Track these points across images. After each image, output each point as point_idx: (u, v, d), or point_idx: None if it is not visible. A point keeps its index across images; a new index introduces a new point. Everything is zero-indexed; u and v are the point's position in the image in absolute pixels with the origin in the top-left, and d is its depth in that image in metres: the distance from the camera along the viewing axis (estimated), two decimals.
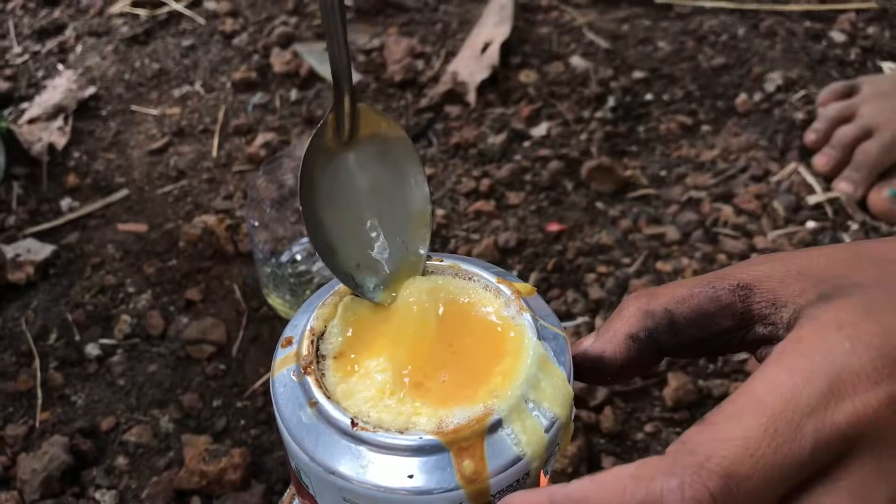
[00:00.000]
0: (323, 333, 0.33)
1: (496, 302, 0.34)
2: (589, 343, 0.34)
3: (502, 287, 0.34)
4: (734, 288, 0.32)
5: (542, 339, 0.32)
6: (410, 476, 0.29)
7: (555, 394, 0.30)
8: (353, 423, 0.29)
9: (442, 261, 0.35)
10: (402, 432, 0.29)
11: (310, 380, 0.31)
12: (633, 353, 0.33)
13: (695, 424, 0.27)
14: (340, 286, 0.34)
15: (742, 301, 0.32)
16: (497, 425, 0.29)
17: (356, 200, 0.34)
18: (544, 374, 0.31)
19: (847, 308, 0.28)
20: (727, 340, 0.33)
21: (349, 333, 0.33)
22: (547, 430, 0.30)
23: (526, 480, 0.30)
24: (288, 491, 0.45)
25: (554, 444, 0.31)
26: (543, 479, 0.31)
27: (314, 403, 0.30)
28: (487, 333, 0.33)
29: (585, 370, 0.34)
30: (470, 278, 0.35)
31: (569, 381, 0.31)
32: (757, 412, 0.26)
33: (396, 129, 0.34)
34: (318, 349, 0.33)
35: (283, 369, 0.32)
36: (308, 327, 0.33)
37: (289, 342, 0.33)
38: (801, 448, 0.26)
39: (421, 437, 0.29)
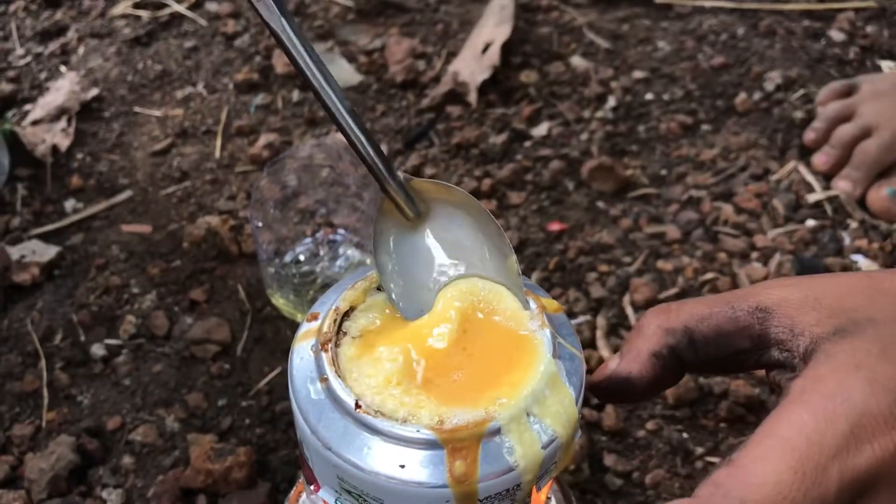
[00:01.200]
0: (347, 314, 0.34)
1: (521, 313, 0.34)
2: (615, 364, 0.35)
3: (529, 300, 0.34)
4: (753, 310, 0.33)
5: (558, 357, 0.32)
6: (402, 466, 0.29)
7: (559, 412, 0.31)
8: (357, 405, 0.30)
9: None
10: (402, 422, 0.30)
11: (325, 356, 0.31)
12: (658, 371, 0.34)
13: (723, 465, 0.28)
14: (372, 272, 0.35)
15: (760, 324, 0.32)
16: (495, 432, 0.30)
17: (442, 269, 0.35)
18: (552, 391, 0.31)
19: (863, 347, 0.29)
20: (743, 360, 0.34)
21: (374, 318, 0.34)
22: (544, 447, 0.30)
23: (516, 492, 0.31)
24: (294, 489, 0.45)
25: (550, 461, 0.31)
26: (535, 495, 0.32)
27: (325, 379, 0.31)
28: (506, 342, 0.33)
29: (615, 391, 0.35)
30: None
31: (577, 403, 0.32)
32: (785, 455, 0.27)
33: (447, 190, 0.35)
34: (339, 328, 0.33)
35: (304, 342, 0.33)
36: (334, 306, 0.34)
37: (314, 317, 0.34)
38: (826, 490, 0.27)
39: (419, 430, 0.29)
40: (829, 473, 0.27)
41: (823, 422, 0.27)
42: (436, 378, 0.32)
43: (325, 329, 0.32)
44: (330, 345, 0.32)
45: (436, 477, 0.29)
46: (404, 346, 0.32)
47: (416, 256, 0.35)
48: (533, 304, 0.34)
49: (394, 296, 0.34)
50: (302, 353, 0.32)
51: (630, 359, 0.34)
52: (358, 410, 0.30)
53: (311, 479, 0.33)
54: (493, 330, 0.33)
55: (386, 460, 0.29)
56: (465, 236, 0.35)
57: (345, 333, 0.33)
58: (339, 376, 0.31)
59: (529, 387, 0.31)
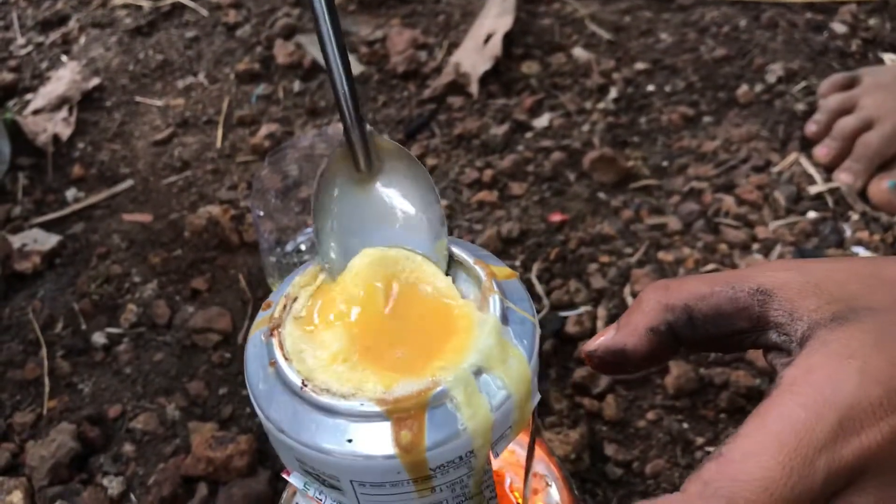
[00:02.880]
0: (296, 299, 0.34)
1: (471, 284, 0.34)
2: (610, 335, 0.35)
3: (477, 268, 0.34)
4: (753, 292, 0.33)
5: (507, 321, 0.32)
6: (350, 441, 0.29)
7: (509, 373, 0.31)
8: (304, 385, 0.30)
9: None
10: (347, 398, 0.30)
11: (274, 341, 0.32)
12: (653, 346, 0.34)
13: (712, 459, 0.28)
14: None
15: (760, 306, 0.32)
16: (440, 398, 0.29)
17: (380, 233, 0.35)
18: (500, 352, 0.31)
19: (858, 336, 0.29)
20: (740, 340, 0.34)
21: (316, 300, 0.34)
22: (495, 409, 0.30)
23: (471, 459, 0.30)
24: (287, 488, 0.45)
25: (504, 424, 0.31)
26: (492, 461, 0.31)
27: (273, 363, 0.31)
28: (445, 312, 0.33)
29: (608, 362, 0.35)
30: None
31: (529, 363, 0.31)
32: (774, 450, 0.27)
33: (407, 156, 0.35)
34: (289, 313, 0.33)
35: (257, 331, 0.33)
36: (285, 292, 0.34)
37: (268, 305, 0.34)
38: (813, 483, 0.27)
39: (362, 404, 0.29)
40: (816, 466, 0.27)
41: (813, 415, 0.28)
42: (379, 350, 0.32)
43: (275, 315, 0.33)
44: (278, 329, 0.32)
45: (383, 448, 0.29)
46: (344, 323, 0.32)
47: (358, 216, 0.35)
48: (481, 271, 0.34)
49: (332, 255, 0.34)
50: (255, 341, 0.33)
51: (627, 332, 0.34)
52: (304, 390, 0.30)
53: (284, 468, 0.33)
54: (429, 300, 0.33)
55: (334, 436, 0.29)
56: (406, 205, 0.35)
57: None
58: (287, 358, 0.31)
59: (474, 350, 0.31)
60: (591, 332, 0.69)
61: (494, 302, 0.32)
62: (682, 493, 0.27)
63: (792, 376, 0.29)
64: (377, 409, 0.29)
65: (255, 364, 0.32)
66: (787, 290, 0.32)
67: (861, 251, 0.75)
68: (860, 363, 0.28)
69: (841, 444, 0.27)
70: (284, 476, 0.33)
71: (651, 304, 0.34)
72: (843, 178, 0.81)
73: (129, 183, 0.85)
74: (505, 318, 0.32)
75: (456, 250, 0.35)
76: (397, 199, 0.35)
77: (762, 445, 0.27)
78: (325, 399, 0.30)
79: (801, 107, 0.89)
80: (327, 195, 0.35)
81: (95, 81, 0.97)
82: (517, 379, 0.31)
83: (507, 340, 0.31)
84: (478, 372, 0.30)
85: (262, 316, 0.33)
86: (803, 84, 0.92)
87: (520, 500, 0.43)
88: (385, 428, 0.29)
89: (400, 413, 0.29)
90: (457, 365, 0.30)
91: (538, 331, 0.33)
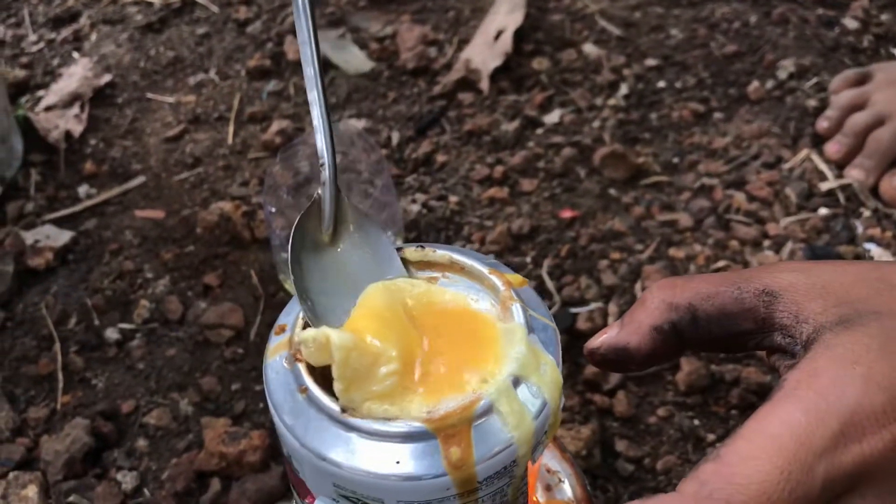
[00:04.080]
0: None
1: (485, 294, 0.34)
2: (614, 333, 0.35)
3: (493, 278, 0.34)
4: (759, 293, 0.32)
5: (531, 329, 0.32)
6: (398, 462, 0.29)
7: (543, 380, 0.31)
8: (343, 410, 0.30)
9: (435, 252, 0.36)
10: (390, 419, 0.30)
11: (300, 366, 0.31)
12: (657, 344, 0.34)
13: (709, 459, 0.28)
14: None
15: (766, 307, 0.32)
16: (485, 412, 0.30)
17: (344, 289, 0.35)
18: (534, 361, 0.31)
19: (863, 341, 0.29)
20: (744, 341, 0.34)
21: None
22: (535, 417, 0.30)
23: (514, 469, 0.31)
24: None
25: (542, 431, 0.31)
26: (531, 469, 0.32)
27: (304, 390, 0.31)
28: (471, 325, 0.33)
29: (611, 360, 0.35)
30: (462, 268, 0.35)
31: (559, 368, 0.32)
32: (772, 454, 0.27)
33: (370, 221, 0.35)
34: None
35: (276, 356, 0.32)
36: (301, 315, 0.33)
37: (282, 329, 0.33)
38: (811, 489, 0.27)
39: (409, 425, 0.29)
40: (815, 472, 0.27)
41: (814, 421, 0.27)
42: (415, 370, 0.32)
43: (295, 339, 0.32)
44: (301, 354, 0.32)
45: (434, 467, 0.29)
46: (376, 342, 0.32)
47: (325, 277, 0.35)
48: (498, 282, 0.34)
49: (308, 310, 0.34)
50: (276, 367, 0.32)
51: (631, 330, 0.34)
52: (345, 415, 0.30)
53: (303, 493, 0.33)
54: (450, 317, 0.33)
55: (381, 459, 0.29)
56: (368, 273, 0.35)
57: None
58: (318, 384, 0.31)
59: (511, 361, 0.31)
60: (602, 329, 0.70)
61: (517, 311, 0.32)
62: (677, 493, 0.27)
63: (795, 380, 0.29)
64: (424, 428, 0.29)
65: (281, 392, 0.31)
66: (794, 291, 0.32)
67: (873, 248, 0.75)
68: (864, 369, 0.28)
69: (842, 451, 0.27)
70: (308, 503, 0.32)
71: (656, 303, 0.34)
72: (855, 174, 0.81)
73: (140, 179, 0.86)
74: (529, 327, 0.32)
75: (468, 261, 0.35)
76: (359, 266, 0.35)
77: (761, 449, 0.27)
78: (368, 423, 0.29)
79: (812, 103, 0.89)
80: (300, 251, 0.35)
81: (107, 78, 0.97)
82: (551, 385, 0.31)
83: (539, 350, 0.31)
84: (516, 381, 0.30)
85: (277, 340, 0.33)
86: (815, 80, 0.92)
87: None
88: (433, 446, 0.29)
89: (447, 430, 0.29)
90: (495, 376, 0.30)
91: (559, 336, 0.33)
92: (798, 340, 0.31)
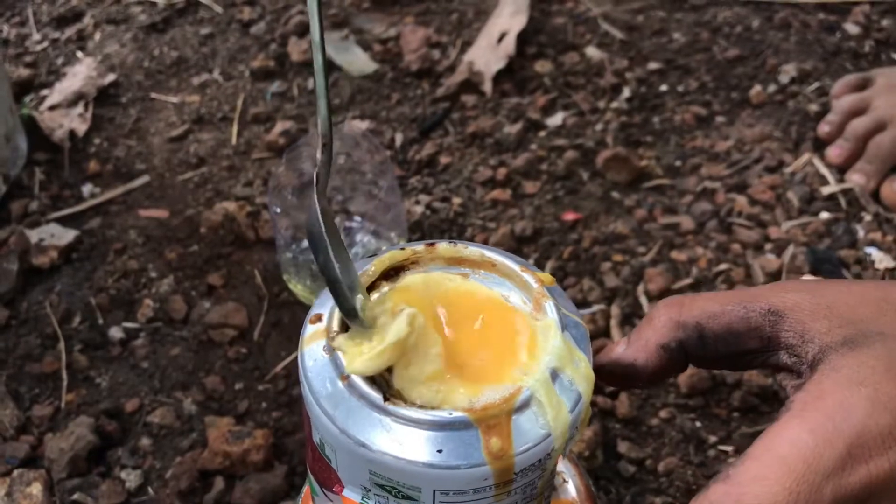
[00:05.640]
0: None
1: (516, 291, 0.35)
2: (621, 350, 0.35)
3: (526, 276, 0.34)
4: (765, 312, 0.33)
5: (564, 326, 0.33)
6: (439, 451, 0.29)
7: (579, 374, 0.31)
8: (386, 398, 0.30)
9: (467, 248, 0.36)
10: (432, 408, 0.30)
11: (341, 354, 0.32)
12: (664, 362, 0.34)
13: (718, 480, 0.28)
14: (370, 267, 0.35)
15: (771, 326, 0.33)
16: (524, 404, 0.30)
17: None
18: (569, 356, 0.32)
19: (869, 362, 0.29)
20: (750, 360, 0.34)
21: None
22: (571, 410, 0.31)
23: (547, 462, 0.31)
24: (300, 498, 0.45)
25: (574, 425, 0.31)
26: (560, 463, 0.32)
27: (346, 378, 0.31)
28: (507, 319, 0.33)
29: (617, 376, 0.35)
30: (493, 265, 0.36)
31: (591, 366, 0.32)
32: (781, 475, 0.28)
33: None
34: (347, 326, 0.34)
35: (313, 344, 0.33)
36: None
37: (318, 318, 0.34)
38: None
39: (451, 413, 0.30)
40: (823, 493, 0.27)
41: (822, 442, 0.28)
42: (457, 361, 0.32)
43: (334, 328, 0.33)
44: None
45: (474, 457, 0.29)
46: (417, 332, 0.33)
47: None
48: (531, 279, 0.34)
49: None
50: (314, 355, 0.32)
51: (638, 347, 0.35)
52: (387, 403, 0.30)
53: (331, 483, 0.33)
54: (487, 311, 0.34)
55: (421, 447, 0.29)
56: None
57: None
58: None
59: (549, 356, 0.31)
60: (605, 331, 0.70)
61: (551, 308, 0.33)
62: None
63: (802, 401, 0.29)
64: (466, 417, 0.29)
65: (319, 380, 0.31)
66: (799, 311, 0.32)
67: (874, 252, 0.75)
68: (870, 390, 0.29)
69: (849, 472, 0.28)
70: (335, 492, 0.33)
71: (663, 321, 0.34)
72: (856, 178, 0.81)
73: (144, 179, 0.86)
74: (563, 324, 0.32)
75: (499, 258, 0.35)
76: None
77: (770, 469, 0.28)
78: (411, 411, 0.30)
79: (814, 107, 0.89)
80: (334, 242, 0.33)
81: (111, 78, 0.98)
82: (585, 380, 0.31)
83: (574, 346, 0.32)
84: (553, 374, 0.31)
85: (313, 329, 0.33)
86: (816, 85, 0.92)
87: None
88: (475, 436, 0.29)
89: (489, 420, 0.29)
90: (535, 369, 0.31)
91: (588, 332, 0.34)
92: (804, 360, 0.32)
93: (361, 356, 0.31)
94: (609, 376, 0.36)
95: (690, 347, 0.34)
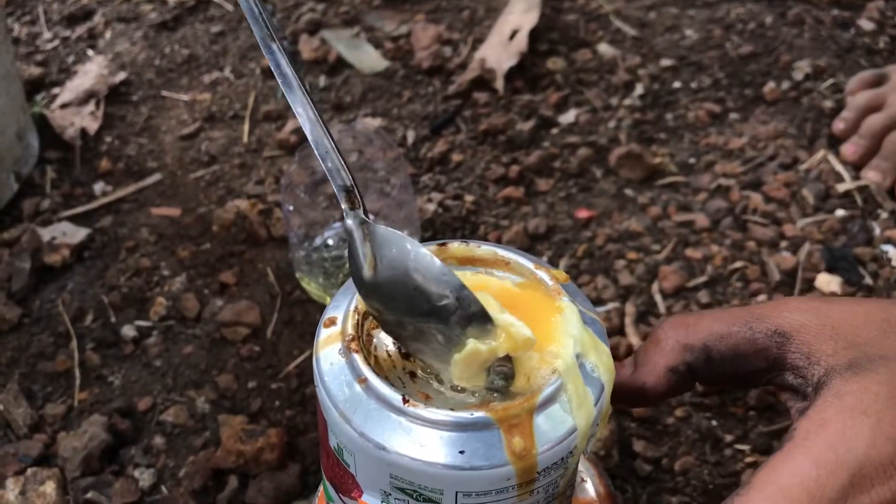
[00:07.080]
0: (366, 313, 0.34)
1: (537, 287, 0.34)
2: (628, 372, 0.36)
3: (541, 273, 0.34)
4: (772, 334, 0.33)
5: (583, 322, 0.33)
6: (461, 452, 0.29)
7: (602, 363, 0.32)
8: (405, 400, 0.30)
9: (479, 247, 0.36)
10: (452, 409, 0.30)
11: (357, 357, 0.31)
12: (672, 384, 0.35)
13: None
14: None
15: (778, 348, 0.33)
16: (545, 402, 0.30)
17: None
18: (593, 348, 0.32)
19: (873, 389, 0.30)
20: (756, 379, 0.35)
21: None
22: (595, 402, 0.31)
23: (569, 459, 0.31)
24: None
25: (596, 422, 0.31)
26: (580, 464, 0.32)
27: (363, 380, 0.31)
28: (534, 316, 0.33)
29: (626, 397, 0.36)
30: (507, 263, 0.35)
31: (611, 358, 0.32)
32: None
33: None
34: (362, 328, 0.33)
35: (328, 347, 0.32)
36: (352, 307, 0.33)
37: (332, 322, 0.33)
38: None
39: (472, 414, 0.29)
40: None
41: (825, 472, 0.28)
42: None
43: (349, 331, 0.32)
44: (359, 345, 0.32)
45: (496, 457, 0.29)
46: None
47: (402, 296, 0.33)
48: (546, 276, 0.34)
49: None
50: (330, 358, 0.32)
51: (646, 371, 0.35)
52: (407, 405, 0.30)
53: (349, 489, 0.32)
54: (506, 299, 0.34)
55: (444, 449, 0.29)
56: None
57: (369, 335, 0.33)
58: (377, 374, 0.31)
59: (573, 347, 0.31)
60: (620, 329, 0.69)
61: (570, 304, 0.33)
62: None
63: (805, 430, 0.30)
64: (488, 417, 0.29)
65: (336, 383, 0.31)
66: (805, 332, 0.33)
67: (890, 249, 0.75)
68: (873, 420, 0.29)
69: (851, 502, 0.28)
70: (353, 498, 0.32)
71: (670, 344, 0.35)
72: (872, 176, 0.81)
73: (156, 177, 0.86)
74: (583, 318, 0.32)
75: (513, 256, 0.35)
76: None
77: (774, 501, 0.28)
78: (432, 412, 0.29)
79: (828, 104, 0.89)
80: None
81: (122, 76, 0.97)
82: (607, 371, 0.32)
83: (597, 338, 0.32)
84: (580, 364, 0.31)
85: (327, 332, 0.33)
86: (831, 81, 0.92)
87: None
88: (496, 436, 0.29)
89: (510, 420, 0.29)
90: (562, 352, 0.31)
91: (605, 328, 0.34)
92: (809, 382, 0.32)
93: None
94: (617, 398, 0.36)
95: (698, 369, 0.35)
